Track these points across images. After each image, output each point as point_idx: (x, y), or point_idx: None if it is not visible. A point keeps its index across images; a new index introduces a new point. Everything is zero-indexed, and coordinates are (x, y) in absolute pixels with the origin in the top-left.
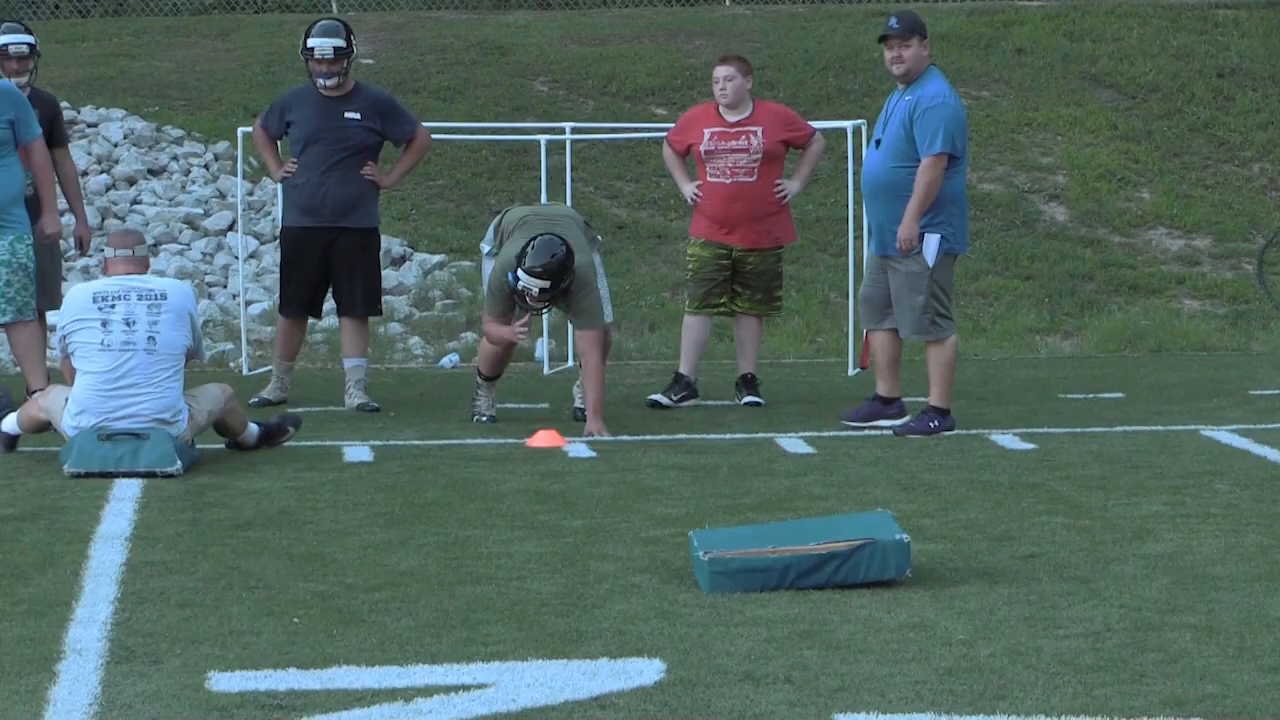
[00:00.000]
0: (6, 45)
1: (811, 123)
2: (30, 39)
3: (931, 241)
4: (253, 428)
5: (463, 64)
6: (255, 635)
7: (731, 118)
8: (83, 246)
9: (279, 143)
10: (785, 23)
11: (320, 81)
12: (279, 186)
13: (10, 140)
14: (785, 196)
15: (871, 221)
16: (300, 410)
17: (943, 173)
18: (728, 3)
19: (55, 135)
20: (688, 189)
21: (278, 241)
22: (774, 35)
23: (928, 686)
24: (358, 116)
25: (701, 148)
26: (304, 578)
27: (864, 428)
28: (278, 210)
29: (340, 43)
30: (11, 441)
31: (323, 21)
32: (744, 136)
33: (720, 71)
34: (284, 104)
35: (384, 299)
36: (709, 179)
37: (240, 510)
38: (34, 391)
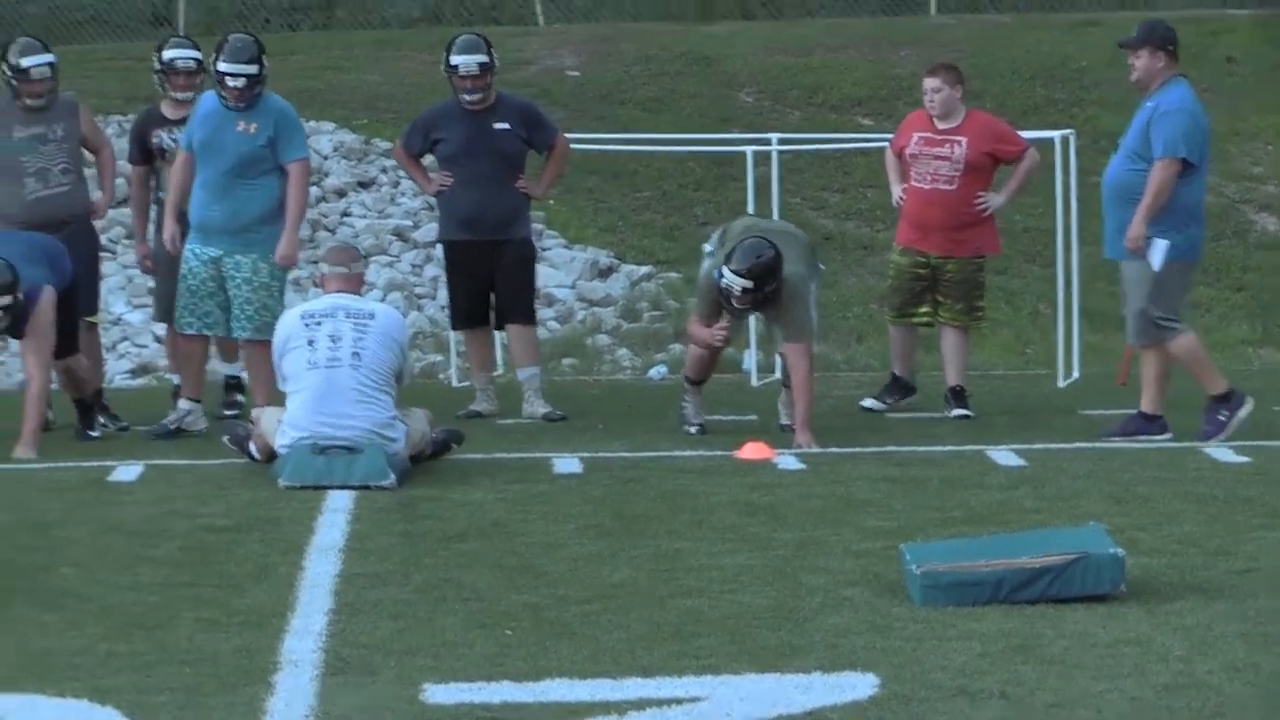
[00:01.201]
0: (174, 60)
1: (1018, 133)
2: (198, 54)
3: (1159, 246)
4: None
5: (668, 75)
6: (469, 647)
7: (941, 125)
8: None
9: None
10: (991, 32)
11: (465, 98)
12: (434, 200)
13: (267, 159)
14: (986, 210)
15: (1106, 225)
16: (509, 422)
17: (1174, 177)
18: (934, 12)
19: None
20: (895, 191)
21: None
22: (980, 45)
23: (1145, 703)
24: (507, 126)
25: (908, 151)
26: (516, 589)
27: (1126, 442)
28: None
29: (484, 58)
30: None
31: (463, 37)
32: (948, 145)
33: (928, 83)
34: (428, 122)
35: (591, 310)
36: (912, 183)
37: (452, 522)
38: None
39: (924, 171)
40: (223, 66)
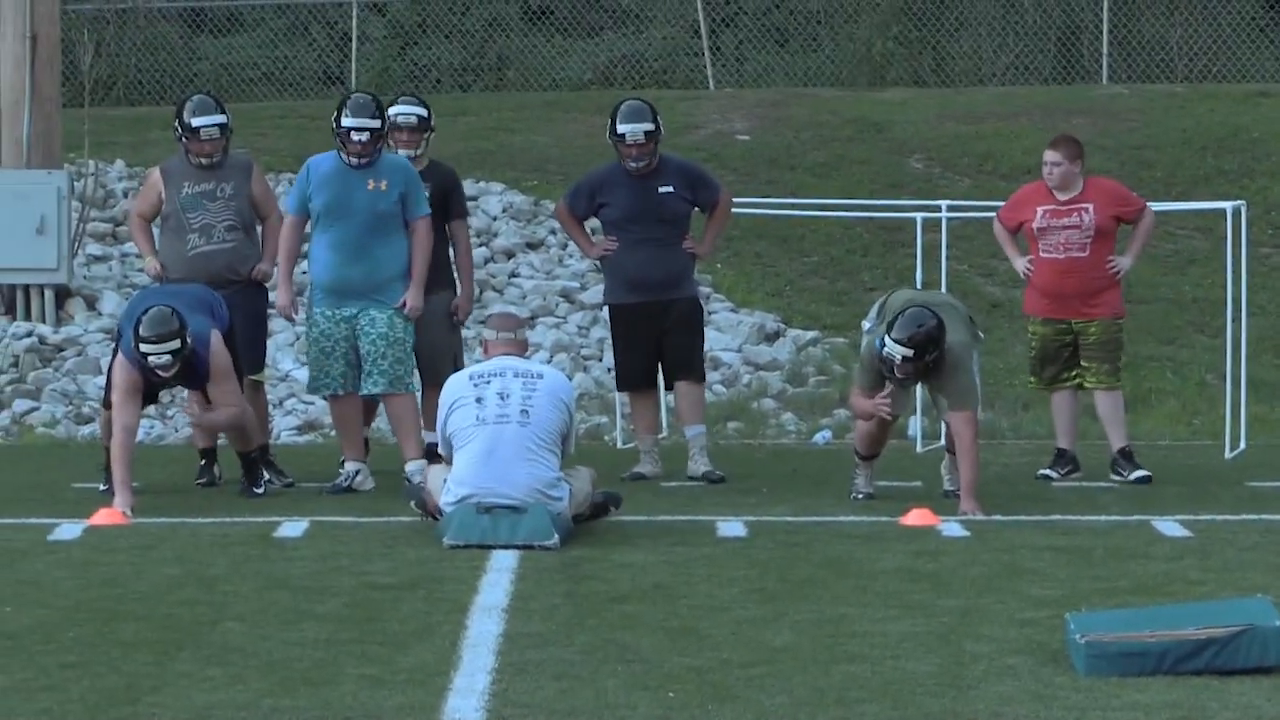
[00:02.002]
0: (395, 116)
1: (1188, 204)
2: (422, 111)
3: None
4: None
5: (838, 140)
6: (631, 709)
7: (1063, 196)
8: (459, 315)
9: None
10: (1163, 101)
11: (631, 165)
12: (598, 263)
13: (398, 215)
14: (1118, 273)
15: None
16: (673, 484)
17: None
18: (1105, 81)
19: (451, 207)
20: (1020, 264)
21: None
22: (1152, 114)
23: None
24: (671, 189)
25: (1035, 225)
26: (679, 652)
27: None
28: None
29: (650, 126)
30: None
31: (629, 104)
32: (1076, 214)
33: (1048, 156)
34: (593, 186)
35: (757, 374)
36: (1042, 254)
37: (615, 583)
38: (407, 461)
39: (1055, 242)
40: (347, 122)
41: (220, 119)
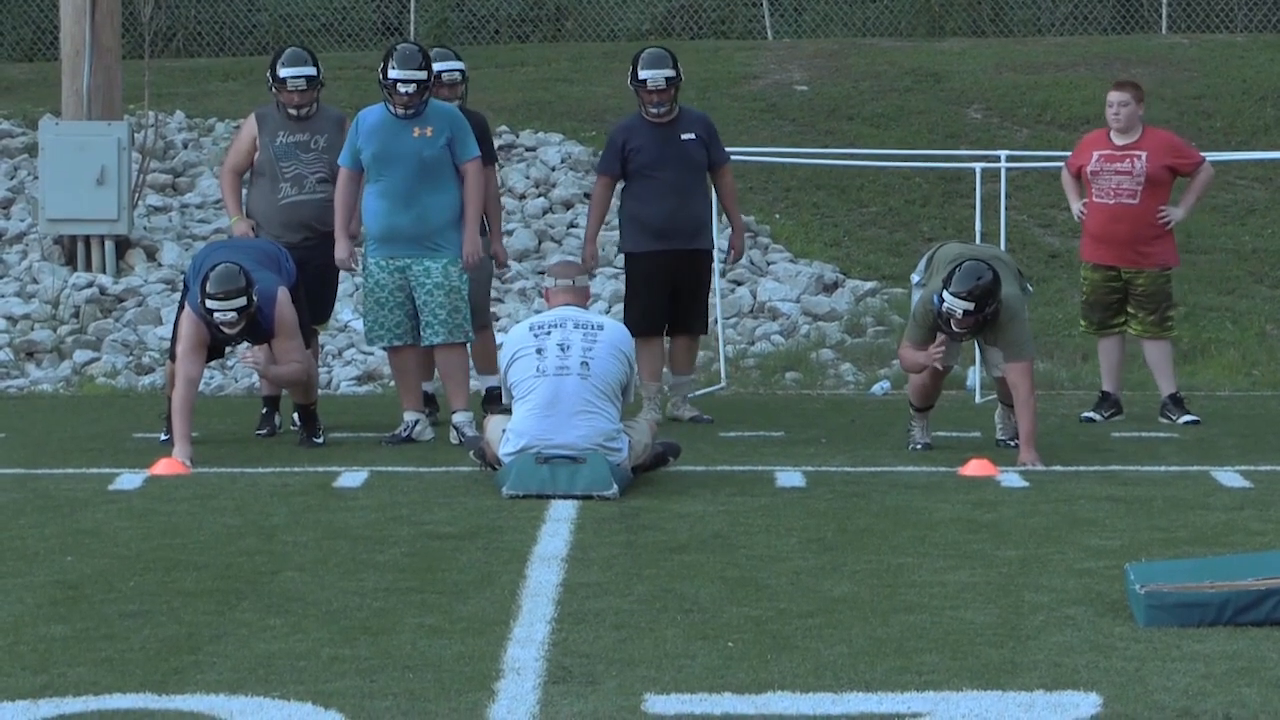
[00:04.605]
0: (439, 73)
1: (1247, 154)
2: (463, 65)
3: None
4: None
5: (896, 91)
6: (690, 658)
7: (1119, 141)
8: (498, 261)
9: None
10: (1222, 51)
11: (652, 110)
12: (619, 211)
13: (448, 161)
14: (1169, 223)
15: None
16: (732, 435)
17: None
18: (1164, 31)
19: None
20: (1075, 206)
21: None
22: (1211, 64)
23: None
24: (693, 137)
25: (1088, 168)
26: (737, 602)
27: None
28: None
29: (670, 73)
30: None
31: (649, 52)
32: (1128, 160)
33: (1115, 96)
34: (618, 141)
35: (815, 325)
36: (1094, 199)
37: (674, 533)
38: (455, 412)
39: (1106, 187)
40: (394, 74)
41: (308, 71)
